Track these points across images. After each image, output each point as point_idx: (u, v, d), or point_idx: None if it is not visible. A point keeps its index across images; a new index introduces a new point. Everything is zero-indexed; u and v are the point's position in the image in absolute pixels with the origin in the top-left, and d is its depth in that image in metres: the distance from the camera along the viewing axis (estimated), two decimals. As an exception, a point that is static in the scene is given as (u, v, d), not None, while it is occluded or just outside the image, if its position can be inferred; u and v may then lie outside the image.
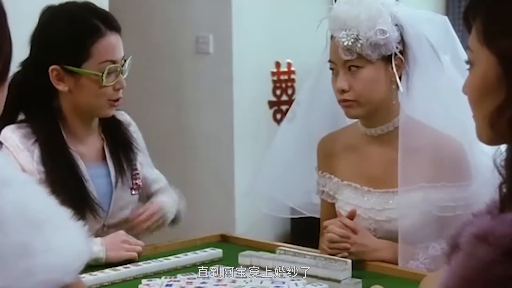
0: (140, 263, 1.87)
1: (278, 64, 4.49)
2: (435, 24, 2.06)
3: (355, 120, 2.06)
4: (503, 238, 1.00)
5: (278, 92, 4.50)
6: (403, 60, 1.96)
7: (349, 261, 1.78)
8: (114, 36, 1.96)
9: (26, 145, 1.93)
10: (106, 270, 1.80)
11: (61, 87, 1.95)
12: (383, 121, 2.00)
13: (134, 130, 2.17)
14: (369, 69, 1.94)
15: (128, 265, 1.85)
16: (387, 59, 1.95)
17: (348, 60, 1.94)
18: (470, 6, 1.14)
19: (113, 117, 2.07)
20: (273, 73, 4.50)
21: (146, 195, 2.17)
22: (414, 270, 1.85)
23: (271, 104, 4.48)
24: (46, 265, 0.98)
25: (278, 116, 4.41)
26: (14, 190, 1.01)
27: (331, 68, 2.00)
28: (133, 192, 2.09)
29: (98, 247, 1.88)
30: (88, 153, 2.02)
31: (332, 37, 1.99)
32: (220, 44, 4.31)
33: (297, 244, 2.05)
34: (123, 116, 2.15)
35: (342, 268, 1.75)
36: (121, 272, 1.81)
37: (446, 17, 2.12)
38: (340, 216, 1.96)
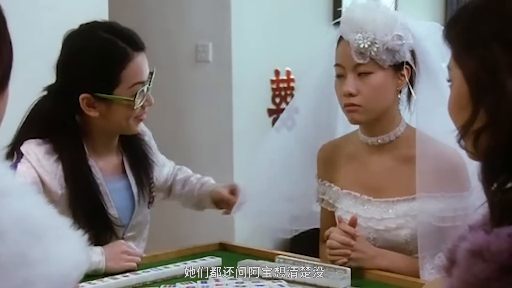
0: (139, 271, 1.87)
1: (277, 72, 4.49)
2: (438, 35, 2.06)
3: (355, 128, 2.06)
4: (499, 254, 1.00)
5: (277, 100, 4.50)
6: (413, 69, 1.96)
7: (348, 269, 1.78)
8: (141, 57, 1.96)
9: (49, 161, 1.92)
10: (105, 279, 1.80)
11: (92, 113, 1.94)
12: (384, 130, 1.99)
13: (149, 139, 2.19)
14: (379, 75, 1.94)
15: (127, 274, 1.85)
16: (397, 67, 1.95)
17: (359, 64, 1.92)
18: (446, 27, 1.20)
19: None
20: (272, 81, 4.50)
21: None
22: (413, 279, 1.85)
23: (270, 112, 4.48)
24: (45, 275, 0.98)
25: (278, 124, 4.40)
26: (13, 199, 1.00)
27: (337, 74, 1.98)
28: (149, 206, 2.13)
29: (98, 257, 1.88)
30: (108, 167, 2.03)
31: (340, 41, 1.97)
32: (220, 53, 4.31)
33: (297, 253, 2.05)
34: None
35: (342, 277, 1.75)
36: (120, 281, 1.81)
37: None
38: (341, 222, 1.95)
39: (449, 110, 1.18)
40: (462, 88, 1.13)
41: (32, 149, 1.92)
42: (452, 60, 1.16)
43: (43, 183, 1.89)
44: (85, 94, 1.92)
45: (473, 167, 1.83)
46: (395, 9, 5.36)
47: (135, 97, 1.93)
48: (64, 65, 1.96)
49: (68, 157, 1.94)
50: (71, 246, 1.05)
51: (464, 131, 1.13)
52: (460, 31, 1.15)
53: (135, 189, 2.06)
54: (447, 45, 1.18)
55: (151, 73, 2.00)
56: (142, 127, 2.15)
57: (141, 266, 1.93)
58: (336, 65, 1.99)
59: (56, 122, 1.96)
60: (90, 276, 1.78)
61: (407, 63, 1.95)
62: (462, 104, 1.13)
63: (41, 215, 1.04)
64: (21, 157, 1.90)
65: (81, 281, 1.54)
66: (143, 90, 1.95)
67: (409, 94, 2.00)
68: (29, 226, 0.99)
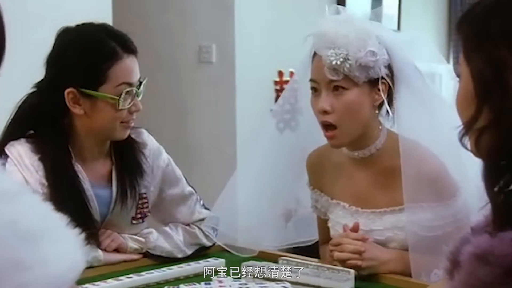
0: (143, 273, 1.87)
1: (280, 73, 4.49)
2: (418, 45, 2.03)
3: None
4: (503, 258, 1.00)
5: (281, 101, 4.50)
6: (389, 84, 1.91)
7: (352, 271, 1.77)
8: (131, 59, 1.95)
9: (31, 160, 1.92)
10: (109, 281, 1.80)
11: (76, 110, 1.92)
12: (364, 145, 1.95)
13: (164, 165, 2.11)
14: (354, 92, 1.88)
15: (130, 275, 1.85)
16: (372, 82, 1.90)
17: (333, 80, 1.88)
18: (459, 22, 1.19)
19: (128, 139, 2.02)
20: (275, 82, 4.50)
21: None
22: (416, 281, 1.84)
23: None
24: (41, 277, 0.98)
25: (281, 125, 4.40)
26: (4, 203, 1.00)
27: (312, 88, 1.94)
28: (134, 222, 2.05)
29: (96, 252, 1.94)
30: (96, 174, 2.00)
31: (315, 55, 1.93)
32: (223, 53, 4.31)
33: (300, 254, 2.04)
34: (141, 136, 2.10)
35: (345, 279, 1.75)
36: (124, 282, 1.81)
37: (427, 37, 2.12)
38: (346, 231, 1.94)
39: (456, 106, 1.17)
40: (469, 85, 1.12)
41: (16, 148, 1.92)
42: (461, 56, 1.15)
43: (26, 181, 1.88)
44: (70, 89, 1.91)
45: (466, 166, 1.85)
46: (398, 10, 5.38)
47: (120, 96, 1.92)
48: (53, 59, 1.95)
49: (51, 157, 1.93)
50: (67, 247, 1.04)
51: (467, 129, 1.12)
52: (470, 27, 1.14)
53: (113, 199, 2.00)
54: (459, 38, 1.18)
55: (140, 82, 1.97)
56: (144, 138, 2.09)
57: (144, 268, 1.93)
58: (311, 80, 1.94)
59: (42, 118, 1.95)
60: (94, 278, 1.79)
61: (383, 78, 1.90)
62: (468, 101, 1.12)
63: (35, 217, 1.03)
64: (6, 158, 1.90)
65: (85, 282, 1.55)
66: (129, 92, 1.93)
67: (390, 105, 1.94)
68: (22, 229, 0.99)
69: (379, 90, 1.90)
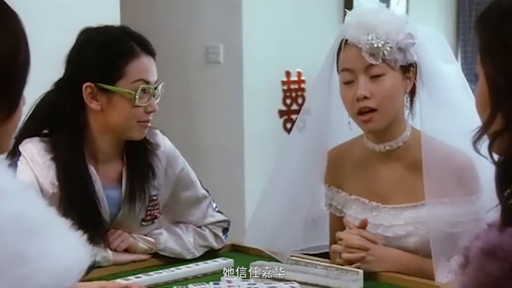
0: (151, 273, 1.87)
1: (288, 74, 4.49)
2: (437, 40, 2.06)
3: (362, 132, 2.02)
4: None
5: (288, 101, 4.50)
6: (417, 72, 1.94)
7: (361, 271, 1.77)
8: (148, 59, 1.96)
9: (43, 159, 1.92)
10: (118, 280, 1.80)
11: (93, 105, 1.93)
12: (392, 136, 1.97)
13: (178, 168, 2.10)
14: (391, 77, 1.91)
15: (139, 275, 1.85)
16: (405, 68, 1.93)
17: (371, 65, 1.89)
18: (476, 21, 1.18)
19: (141, 141, 2.02)
20: (283, 82, 4.50)
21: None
22: (427, 281, 1.84)
23: (281, 113, 4.48)
24: (44, 271, 0.99)
25: (288, 125, 4.41)
26: (10, 198, 1.01)
27: (345, 81, 1.94)
28: (143, 223, 2.05)
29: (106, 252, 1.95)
30: (107, 174, 1.99)
31: (345, 45, 1.93)
32: (230, 54, 4.31)
33: (309, 254, 2.04)
34: (154, 137, 2.08)
35: (354, 279, 1.75)
36: (132, 282, 1.81)
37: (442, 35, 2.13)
38: (352, 228, 1.94)
39: (476, 107, 1.17)
40: (484, 88, 1.12)
41: (29, 147, 1.92)
42: (478, 57, 1.15)
43: (37, 180, 1.89)
44: (88, 83, 1.92)
45: (489, 170, 1.85)
46: (406, 11, 5.36)
47: (137, 92, 1.93)
48: (72, 57, 1.97)
49: (63, 157, 1.93)
50: (70, 244, 1.05)
51: (482, 132, 1.12)
52: (485, 30, 1.14)
53: (122, 201, 2.00)
54: (476, 40, 1.17)
55: (156, 86, 1.98)
56: (158, 139, 2.08)
57: (153, 268, 1.93)
58: (344, 70, 1.95)
59: (58, 116, 1.95)
60: (102, 277, 1.79)
61: (413, 64, 1.93)
62: (485, 103, 1.12)
63: (39, 213, 1.04)
64: (20, 155, 1.91)
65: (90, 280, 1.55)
66: (145, 90, 1.94)
67: (412, 97, 1.97)
68: (26, 224, 1.00)
69: (408, 77, 1.93)
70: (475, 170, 1.89)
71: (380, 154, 1.99)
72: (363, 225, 1.92)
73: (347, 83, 1.94)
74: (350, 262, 1.86)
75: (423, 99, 1.95)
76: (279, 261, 1.90)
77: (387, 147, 1.98)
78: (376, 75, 1.90)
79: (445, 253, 1.85)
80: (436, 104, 1.95)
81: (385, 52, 1.88)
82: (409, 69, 1.94)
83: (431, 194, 1.88)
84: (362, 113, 1.92)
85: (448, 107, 1.97)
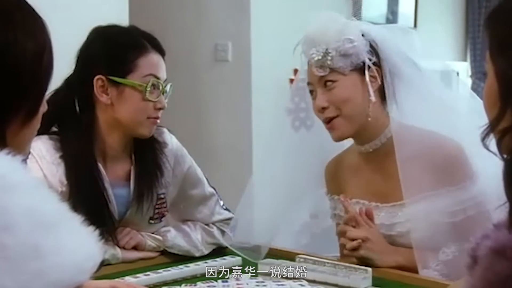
0: (160, 270, 1.88)
1: (296, 71, 4.48)
2: (407, 37, 2.06)
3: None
4: None
5: (296, 99, 4.49)
6: (379, 72, 1.96)
7: (370, 269, 1.77)
8: (158, 57, 1.98)
9: (52, 157, 1.93)
10: (126, 278, 1.81)
11: (104, 99, 1.94)
12: (372, 136, 1.99)
13: (184, 166, 2.11)
14: (343, 82, 1.95)
15: (148, 273, 1.85)
16: (360, 71, 1.95)
17: (322, 76, 1.95)
18: (487, 18, 1.17)
19: (149, 138, 2.02)
20: (291, 80, 4.49)
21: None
22: (434, 279, 1.83)
23: (289, 111, 4.47)
24: (58, 265, 0.99)
25: (297, 123, 4.40)
26: (23, 193, 1.02)
27: (310, 91, 2.02)
28: (151, 221, 2.06)
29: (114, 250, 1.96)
30: (115, 173, 2.00)
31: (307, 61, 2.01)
32: (239, 52, 4.32)
33: (317, 252, 2.04)
34: (162, 135, 2.09)
35: (363, 277, 1.75)
36: (141, 279, 1.81)
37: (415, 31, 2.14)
38: (350, 209, 1.96)
39: (483, 103, 1.17)
40: (494, 84, 1.12)
41: (38, 144, 1.92)
42: (488, 54, 1.15)
43: (46, 178, 1.89)
44: (99, 76, 1.93)
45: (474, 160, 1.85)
46: (415, 9, 5.35)
47: (147, 85, 1.93)
48: (82, 52, 1.99)
49: (72, 155, 1.93)
50: (83, 238, 1.06)
51: (491, 129, 1.11)
52: (496, 27, 1.13)
53: (131, 199, 2.01)
54: (486, 36, 1.17)
55: (166, 84, 1.99)
56: (166, 138, 2.09)
57: (161, 266, 1.94)
58: (307, 83, 2.03)
59: (67, 113, 1.95)
60: (110, 275, 1.80)
61: (374, 63, 1.95)
62: (493, 100, 1.11)
63: (52, 208, 1.05)
64: (29, 153, 1.91)
65: (103, 279, 1.56)
66: (155, 85, 1.95)
67: (382, 94, 1.98)
68: (39, 218, 1.01)
69: (371, 76, 1.95)
70: (465, 156, 1.90)
71: (369, 155, 2.02)
72: (369, 214, 1.94)
73: (312, 95, 2.02)
74: (353, 250, 1.89)
75: (401, 96, 1.97)
76: (288, 259, 1.90)
77: (372, 146, 2.00)
78: (330, 84, 1.95)
79: (431, 245, 1.86)
80: (415, 100, 1.97)
81: (328, 62, 1.93)
82: (368, 69, 1.95)
83: (426, 187, 1.88)
84: (327, 123, 1.98)
85: (421, 97, 1.99)
